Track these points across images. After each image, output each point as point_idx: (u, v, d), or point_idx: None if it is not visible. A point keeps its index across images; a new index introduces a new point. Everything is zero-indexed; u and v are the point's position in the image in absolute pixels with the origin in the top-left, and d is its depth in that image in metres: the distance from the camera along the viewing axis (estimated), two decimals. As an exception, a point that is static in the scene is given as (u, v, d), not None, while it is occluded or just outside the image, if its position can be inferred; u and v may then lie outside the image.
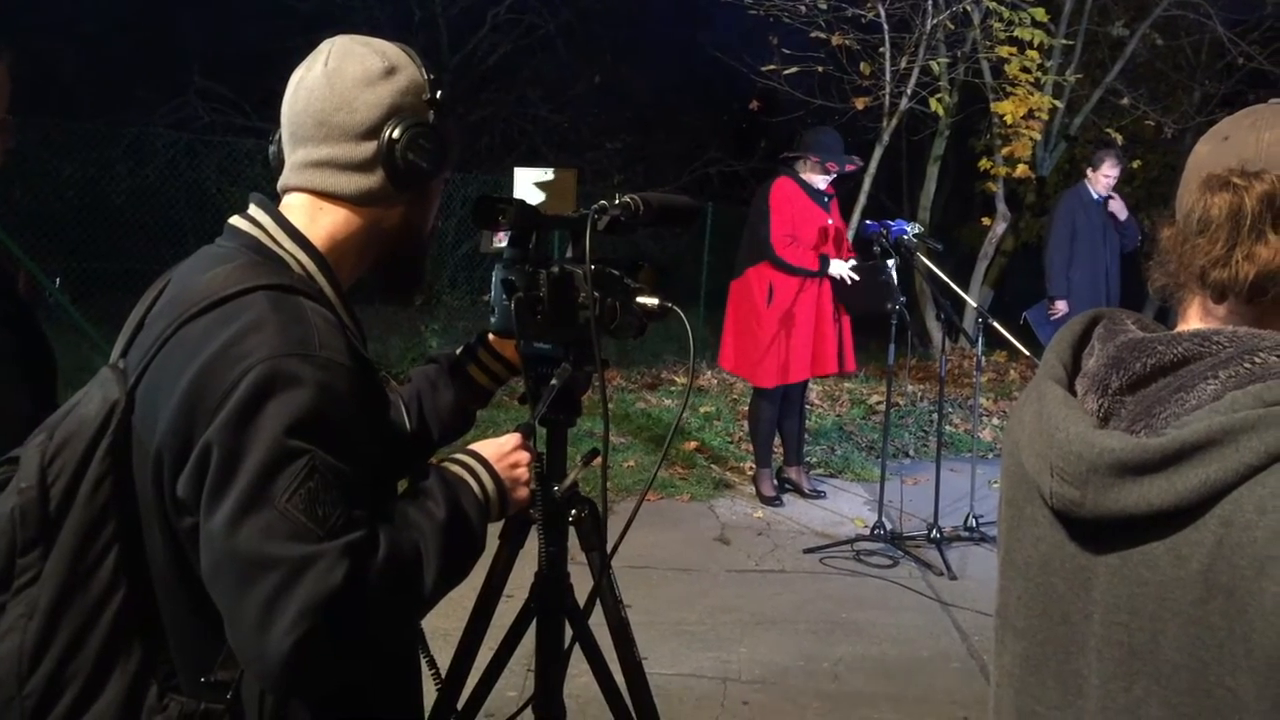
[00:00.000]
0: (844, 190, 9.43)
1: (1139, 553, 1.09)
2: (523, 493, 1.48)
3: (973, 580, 4.89)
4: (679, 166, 17.64)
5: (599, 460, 1.67)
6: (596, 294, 1.53)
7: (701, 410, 7.48)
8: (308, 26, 12.46)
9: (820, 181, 5.58)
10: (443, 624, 2.09)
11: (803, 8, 8.63)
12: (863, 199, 9.03)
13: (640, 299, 1.59)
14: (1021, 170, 9.75)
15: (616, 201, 1.60)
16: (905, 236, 5.24)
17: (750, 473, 6.21)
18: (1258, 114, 1.20)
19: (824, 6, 8.69)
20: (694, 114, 17.77)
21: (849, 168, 5.61)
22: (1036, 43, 8.64)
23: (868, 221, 5.58)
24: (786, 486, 6.09)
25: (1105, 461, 1.09)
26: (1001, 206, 10.45)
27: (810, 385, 7.89)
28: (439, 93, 1.40)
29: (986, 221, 10.74)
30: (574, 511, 1.74)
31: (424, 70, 1.45)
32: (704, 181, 17.17)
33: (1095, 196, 7.47)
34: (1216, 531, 1.03)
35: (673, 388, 8.50)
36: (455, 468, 1.43)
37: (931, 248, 5.54)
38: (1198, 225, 1.12)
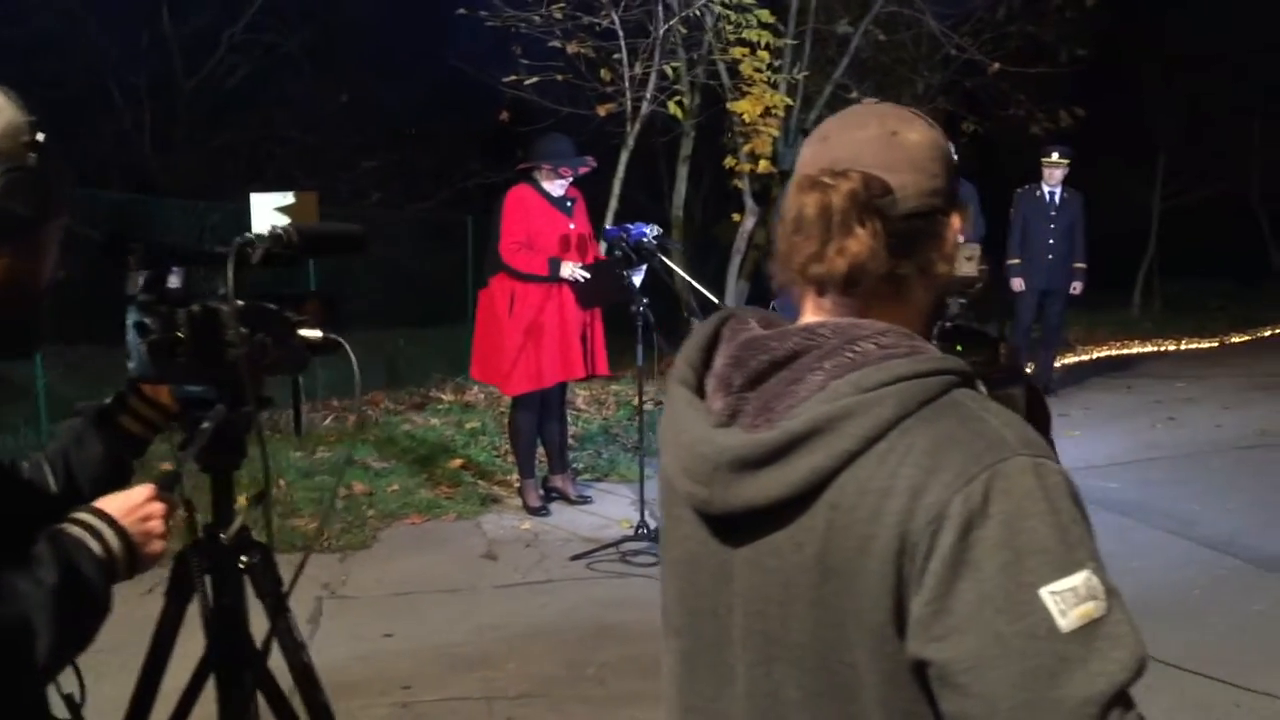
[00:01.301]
0: (599, 195, 9.57)
1: (766, 543, 1.13)
2: (157, 546, 1.40)
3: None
4: (437, 182, 17.43)
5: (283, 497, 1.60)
6: (244, 330, 1.47)
7: (467, 426, 7.41)
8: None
9: (558, 188, 5.62)
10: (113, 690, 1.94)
11: (537, 18, 8.66)
12: (614, 203, 9.13)
13: (303, 331, 1.54)
14: (764, 166, 10.09)
15: (266, 234, 1.54)
16: (645, 239, 5.33)
17: (517, 485, 6.19)
18: (853, 114, 1.26)
19: (559, 16, 8.75)
20: (449, 128, 17.60)
21: (583, 169, 5.66)
22: (763, 43, 8.95)
23: (608, 227, 5.66)
24: (553, 495, 6.10)
25: (725, 459, 1.12)
26: (749, 202, 10.78)
27: (575, 390, 7.95)
28: (40, 134, 1.31)
29: (737, 217, 11.06)
30: (244, 558, 1.66)
31: (23, 111, 1.35)
32: (464, 195, 17.03)
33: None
34: (826, 516, 1.08)
35: (440, 405, 8.38)
36: (74, 529, 1.34)
37: (671, 248, 5.66)
38: (793, 224, 1.17)
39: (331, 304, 1.62)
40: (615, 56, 8.71)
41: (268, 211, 7.26)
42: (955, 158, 1.26)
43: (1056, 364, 10.48)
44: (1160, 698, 3.70)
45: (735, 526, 1.16)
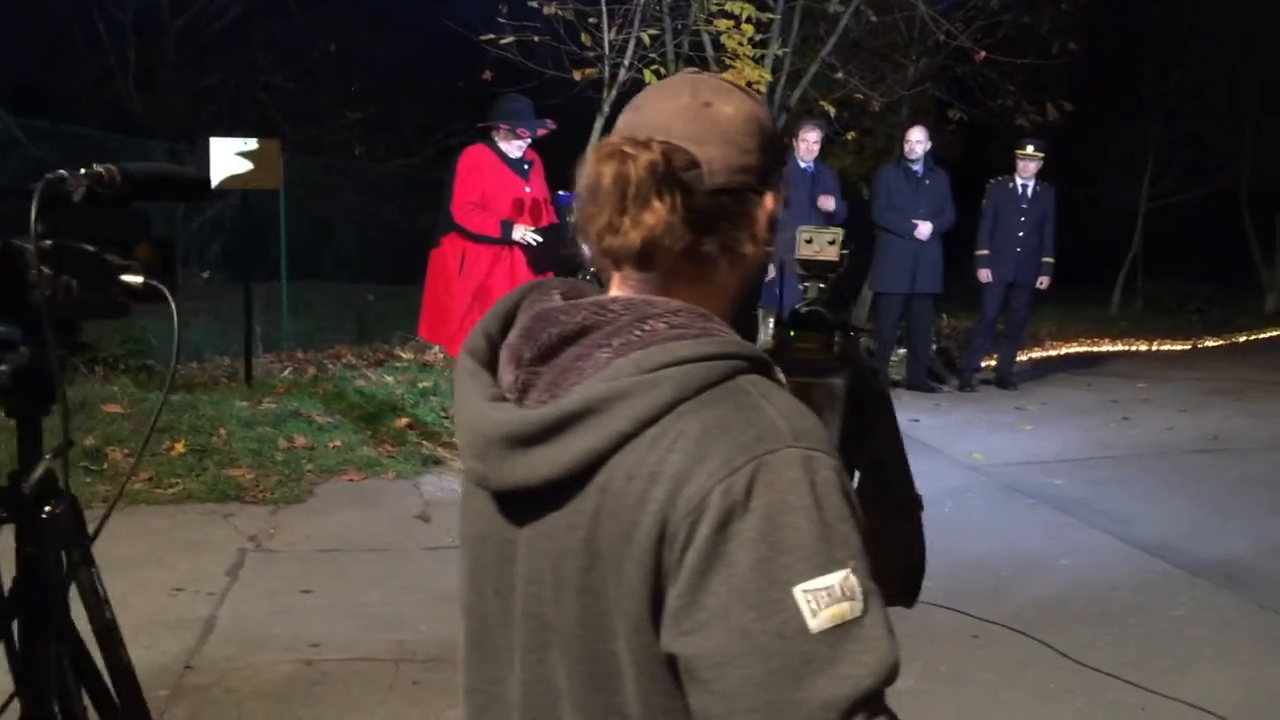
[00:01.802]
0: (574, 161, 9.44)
1: (544, 524, 1.09)
2: None
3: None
4: (422, 137, 17.29)
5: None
6: (48, 271, 1.41)
7: (420, 385, 7.35)
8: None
9: (515, 149, 5.56)
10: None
11: (521, -24, 8.56)
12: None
13: (125, 277, 1.48)
14: (742, 141, 9.99)
15: (83, 171, 1.47)
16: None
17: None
18: (670, 83, 1.22)
19: (542, -25, 8.64)
20: (435, 84, 17.42)
21: (540, 131, 5.60)
22: (745, 16, 8.86)
23: (560, 193, 5.59)
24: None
25: (498, 434, 1.08)
26: (726, 176, 10.70)
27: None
28: None
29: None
30: (48, 508, 1.60)
31: None
32: (446, 151, 16.88)
33: (801, 165, 7.82)
34: (596, 500, 1.04)
35: (398, 364, 8.32)
36: None
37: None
38: (588, 194, 1.12)
39: (167, 249, 1.56)
40: (592, 20, 8.61)
41: (229, 157, 7.18)
42: (779, 134, 1.21)
43: (1023, 358, 10.48)
44: (1072, 698, 3.71)
45: (518, 505, 1.12)
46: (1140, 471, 6.46)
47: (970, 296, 10.09)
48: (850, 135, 12.26)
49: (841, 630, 0.95)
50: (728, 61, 9.69)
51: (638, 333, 1.07)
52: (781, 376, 1.13)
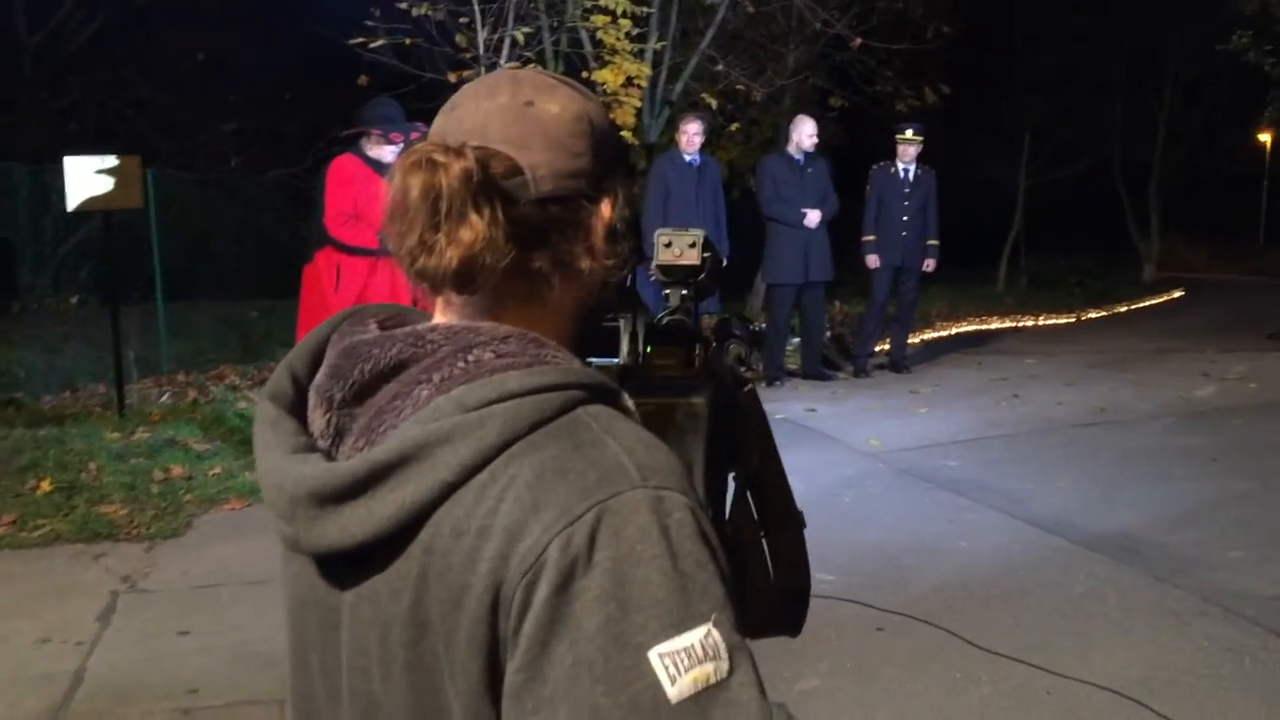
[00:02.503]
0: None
1: (366, 589, 0.95)
2: None
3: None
4: (302, 146, 16.83)
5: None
6: None
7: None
8: None
9: (387, 155, 5.37)
10: None
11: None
12: (466, 173, 8.86)
13: None
14: (626, 137, 9.90)
15: None
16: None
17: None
18: (487, 81, 1.08)
19: (411, -24, 8.42)
20: (313, 91, 16.99)
21: (414, 135, 5.41)
22: (621, 11, 8.76)
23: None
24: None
25: (302, 492, 0.93)
26: (612, 173, 10.59)
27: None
28: None
29: (601, 189, 10.87)
30: None
31: None
32: (328, 160, 16.44)
33: (686, 159, 7.75)
34: (421, 561, 0.90)
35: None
36: None
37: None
38: (394, 210, 0.98)
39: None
40: (463, 20, 8.42)
41: (87, 176, 6.80)
42: (616, 133, 1.08)
43: (915, 340, 10.58)
44: (979, 686, 3.67)
45: (338, 567, 0.97)
46: (1032, 448, 6.53)
47: (861, 283, 10.14)
48: (734, 126, 12.27)
49: (706, 696, 0.83)
50: (606, 57, 9.60)
51: (461, 365, 0.94)
52: (629, 403, 1.00)
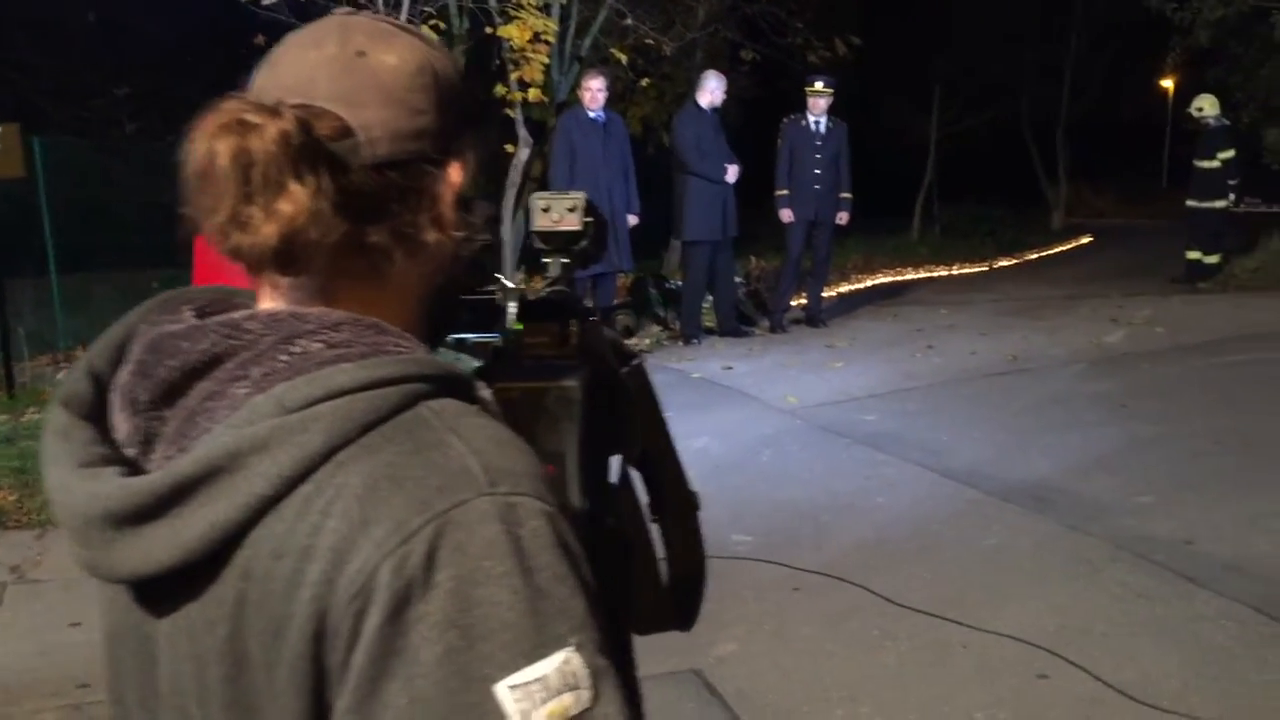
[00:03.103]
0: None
1: (182, 617, 0.83)
2: None
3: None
4: (202, 110, 16.26)
5: None
6: None
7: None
8: None
9: None
10: None
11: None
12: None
13: None
14: (534, 94, 9.69)
15: None
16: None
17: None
18: (313, 29, 0.94)
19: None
20: (211, 54, 16.41)
21: None
22: (523, -37, 8.54)
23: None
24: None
25: (95, 511, 0.81)
26: (523, 132, 10.37)
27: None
28: None
29: (510, 148, 10.66)
30: None
31: None
32: (229, 126, 15.95)
33: (591, 115, 7.58)
34: (237, 587, 0.78)
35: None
36: None
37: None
38: (198, 180, 0.86)
39: None
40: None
41: (-41, 146, 6.30)
42: (466, 86, 0.96)
43: (831, 293, 10.60)
44: (895, 643, 3.65)
45: (151, 592, 0.85)
46: (947, 399, 6.55)
47: (775, 237, 10.10)
48: (645, 82, 12.10)
49: None
50: (512, 13, 9.36)
51: (284, 358, 0.82)
52: (486, 394, 0.89)
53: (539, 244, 1.43)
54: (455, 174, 0.92)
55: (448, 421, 0.80)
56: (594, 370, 1.16)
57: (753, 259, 10.96)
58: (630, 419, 1.24)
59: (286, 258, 0.84)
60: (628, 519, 1.25)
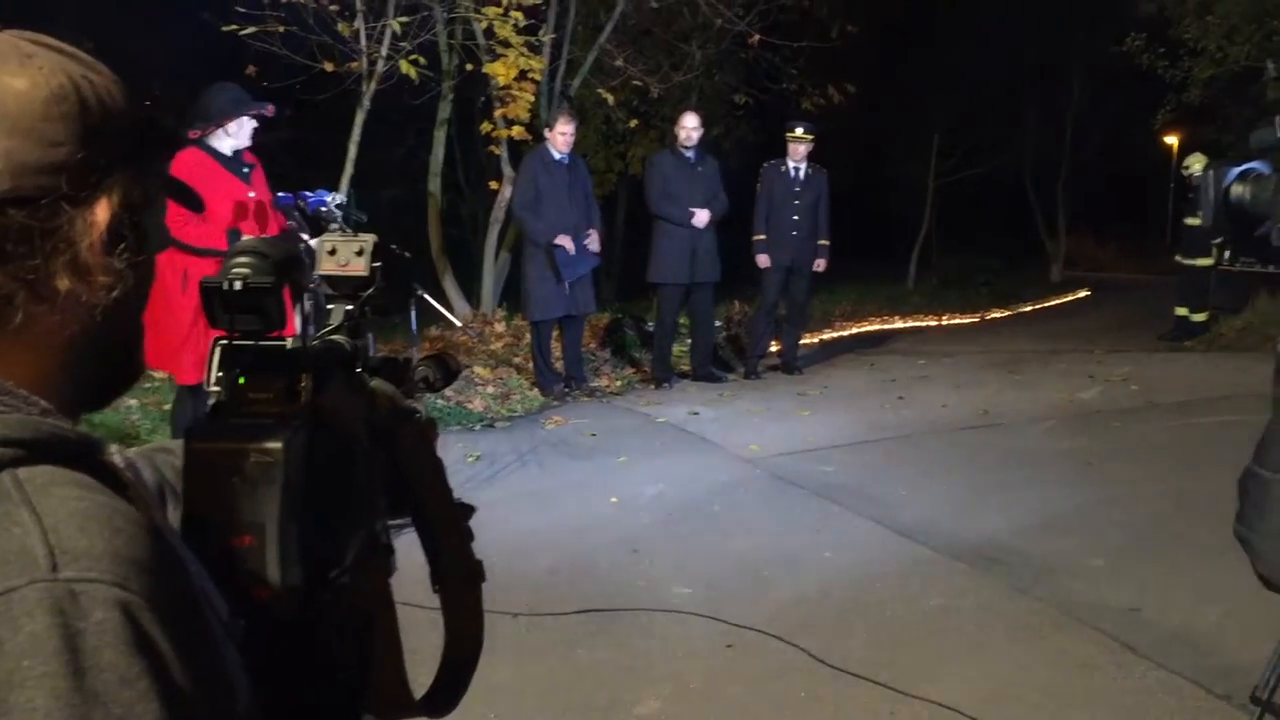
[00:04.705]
0: (336, 158, 9.00)
1: None
2: None
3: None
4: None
5: None
6: None
7: (166, 408, 6.76)
8: None
9: (246, 138, 5.08)
10: None
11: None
12: (349, 168, 8.60)
13: None
14: (518, 131, 9.69)
15: None
16: (324, 208, 4.86)
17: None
18: None
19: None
20: (195, 84, 16.46)
21: (263, 112, 5.12)
22: (506, 3, 8.56)
23: (279, 194, 5.14)
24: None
25: None
26: (506, 169, 10.38)
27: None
28: None
29: (495, 185, 10.65)
30: None
31: None
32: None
33: (556, 156, 7.54)
34: None
35: (145, 384, 7.67)
36: None
37: (357, 219, 5.19)
38: None
39: None
40: (333, 8, 8.15)
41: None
42: (120, 112, 0.86)
43: (814, 340, 10.52)
44: (821, 706, 3.53)
45: None
46: (911, 453, 6.43)
47: (758, 282, 10.03)
48: (633, 123, 12.12)
49: None
50: (499, 50, 9.38)
51: None
52: (116, 460, 0.80)
53: (325, 289, 1.35)
54: (101, 213, 0.83)
55: (30, 492, 0.71)
56: (329, 430, 1.07)
57: (735, 304, 10.91)
58: (371, 484, 1.14)
59: None
60: (373, 591, 1.16)
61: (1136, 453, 6.30)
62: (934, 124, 18.36)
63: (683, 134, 8.31)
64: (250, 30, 7.99)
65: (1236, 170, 2.13)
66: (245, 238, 1.34)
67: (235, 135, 5.07)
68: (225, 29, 8.26)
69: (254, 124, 5.12)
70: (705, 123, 8.69)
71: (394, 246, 1.34)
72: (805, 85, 13.04)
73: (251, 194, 5.11)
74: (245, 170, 5.14)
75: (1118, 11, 14.34)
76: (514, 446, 6.60)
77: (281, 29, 8.18)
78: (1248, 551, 1.79)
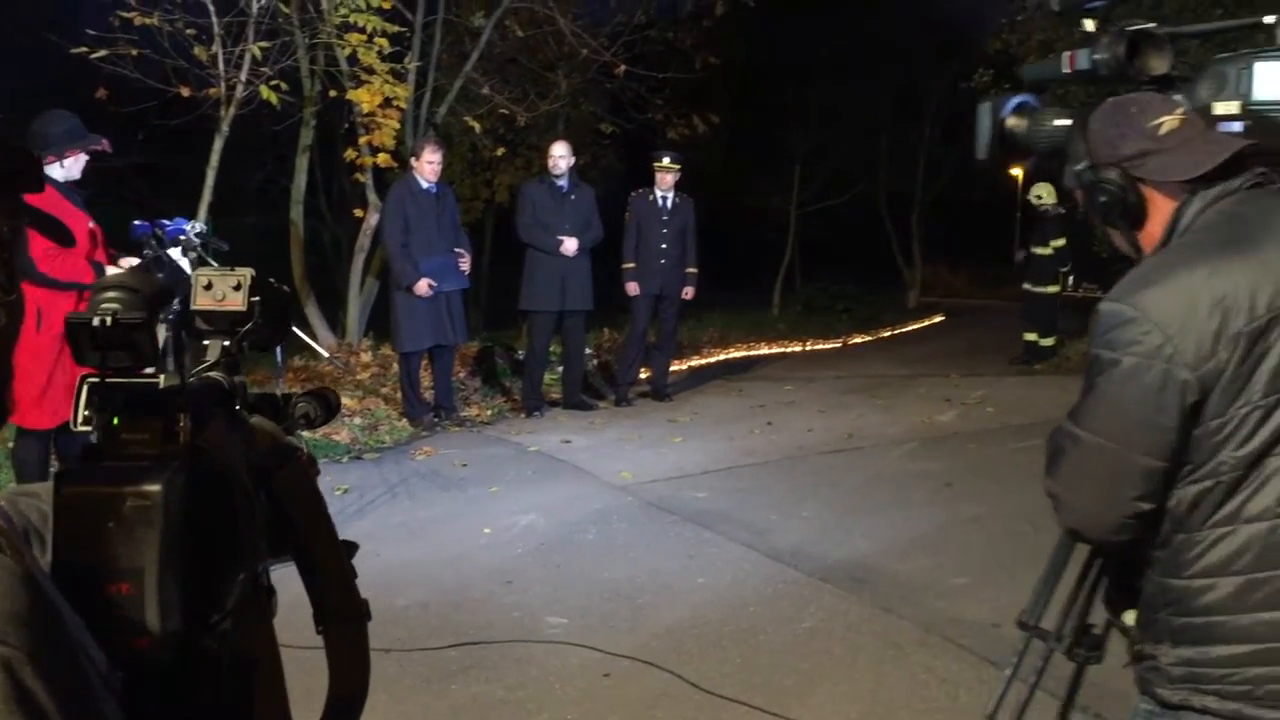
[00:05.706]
0: (193, 184, 8.76)
1: None
2: None
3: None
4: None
5: None
6: None
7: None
8: None
9: (77, 170, 4.90)
10: None
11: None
12: (207, 195, 8.36)
13: None
14: (384, 159, 9.58)
15: None
16: (184, 236, 4.72)
17: None
18: None
19: (140, -15, 7.88)
20: (52, 105, 15.82)
21: (95, 148, 4.94)
22: (369, 30, 8.47)
23: (136, 222, 4.97)
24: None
25: None
26: (372, 197, 10.24)
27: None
28: None
29: (360, 213, 10.49)
30: None
31: None
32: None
33: (424, 185, 7.49)
34: None
35: None
36: None
37: (217, 247, 5.06)
38: None
39: None
40: (190, 32, 7.95)
41: None
42: None
43: (682, 366, 10.62)
44: (696, 731, 3.56)
45: None
46: (779, 477, 6.55)
47: (627, 310, 10.10)
48: (500, 151, 12.11)
49: None
50: (363, 77, 9.26)
51: None
52: (16, 508, 0.77)
53: (200, 324, 1.32)
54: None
55: None
56: (209, 471, 1.04)
57: (605, 331, 10.95)
58: (251, 527, 1.12)
59: None
60: (256, 635, 1.13)
61: (993, 473, 6.54)
62: (794, 154, 18.83)
63: (551, 162, 8.34)
64: (101, 54, 7.71)
65: (1013, 102, 2.24)
66: (110, 271, 1.30)
67: (69, 169, 4.88)
68: (73, 51, 7.96)
69: (86, 158, 4.94)
70: (573, 151, 8.72)
71: (272, 280, 1.32)
72: (670, 115, 13.23)
73: (91, 223, 4.92)
74: (80, 198, 4.96)
75: (967, 50, 14.98)
76: (383, 478, 6.49)
77: (135, 52, 7.91)
78: (1057, 508, 1.89)
